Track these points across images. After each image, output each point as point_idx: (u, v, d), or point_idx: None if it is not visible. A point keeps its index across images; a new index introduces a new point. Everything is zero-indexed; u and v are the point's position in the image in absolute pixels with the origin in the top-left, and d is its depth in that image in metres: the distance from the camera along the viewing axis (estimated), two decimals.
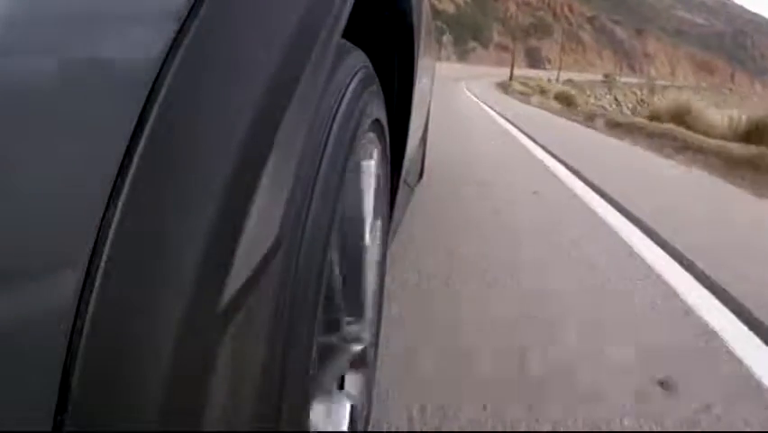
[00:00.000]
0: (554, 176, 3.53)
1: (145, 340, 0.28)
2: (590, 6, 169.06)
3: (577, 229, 2.29)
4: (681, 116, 7.91)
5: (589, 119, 9.08)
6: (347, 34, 0.51)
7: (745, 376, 1.23)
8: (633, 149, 5.62)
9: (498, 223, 2.31)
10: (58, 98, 0.28)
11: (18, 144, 0.27)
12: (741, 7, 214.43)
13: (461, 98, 13.26)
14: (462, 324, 1.36)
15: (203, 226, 0.30)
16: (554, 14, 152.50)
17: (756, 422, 1.05)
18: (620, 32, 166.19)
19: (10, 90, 0.27)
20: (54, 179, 0.27)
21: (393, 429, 0.95)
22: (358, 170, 0.63)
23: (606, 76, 79.15)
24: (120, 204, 0.28)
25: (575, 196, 2.96)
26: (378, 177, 0.72)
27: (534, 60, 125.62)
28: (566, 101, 16.21)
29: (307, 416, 0.40)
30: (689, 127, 7.14)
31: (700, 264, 1.92)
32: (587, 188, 3.13)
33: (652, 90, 63.87)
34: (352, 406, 0.62)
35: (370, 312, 0.71)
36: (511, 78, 33.40)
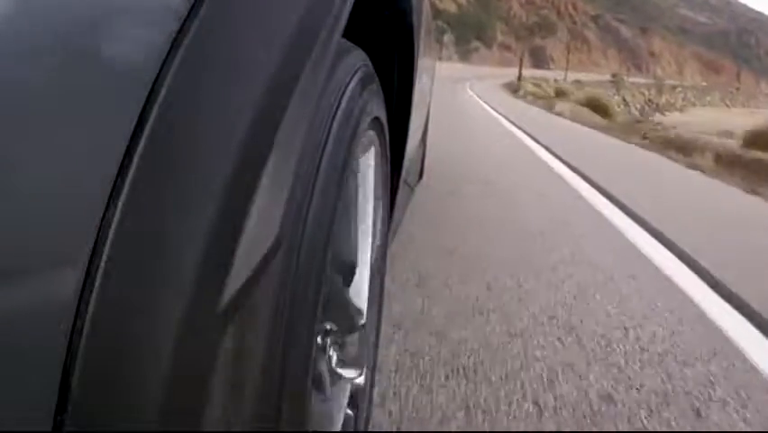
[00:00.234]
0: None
1: (145, 340, 0.29)
2: (594, 5, 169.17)
3: None
4: None
5: (672, 147, 5.70)
6: (347, 34, 0.52)
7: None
8: None
9: None
10: (58, 98, 0.29)
11: (18, 144, 0.27)
12: (744, 5, 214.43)
13: (469, 106, 10.90)
14: None
15: (203, 226, 0.30)
16: (558, 13, 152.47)
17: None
18: (625, 31, 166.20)
19: (10, 90, 0.28)
20: (54, 178, 0.28)
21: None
22: (358, 169, 0.63)
23: (613, 76, 78.99)
24: (120, 204, 0.29)
25: None
26: (378, 176, 0.73)
27: (538, 60, 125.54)
28: (600, 109, 13.39)
29: (307, 416, 0.40)
30: None
31: None
32: None
33: (660, 90, 63.83)
34: (351, 406, 0.63)
35: (370, 312, 0.71)
36: (520, 78, 32.06)
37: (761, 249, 2.40)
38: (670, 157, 5.34)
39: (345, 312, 0.64)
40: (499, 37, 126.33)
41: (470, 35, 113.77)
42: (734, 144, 7.30)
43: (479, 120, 8.09)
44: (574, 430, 0.98)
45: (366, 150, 0.66)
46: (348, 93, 0.48)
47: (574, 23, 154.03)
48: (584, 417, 1.03)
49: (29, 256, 0.27)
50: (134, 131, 0.29)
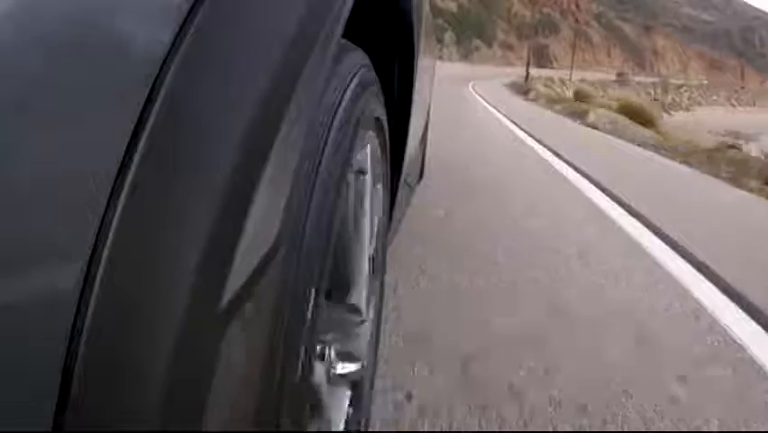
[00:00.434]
0: None
1: (145, 340, 0.29)
2: (597, 3, 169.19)
3: None
4: None
5: None
6: (347, 34, 0.52)
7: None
8: None
9: None
10: (58, 98, 0.29)
11: (18, 144, 0.28)
12: (746, 4, 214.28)
13: (477, 112, 8.89)
14: None
15: (203, 226, 0.30)
16: (561, 11, 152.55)
17: None
18: (628, 30, 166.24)
19: (10, 90, 0.28)
20: (54, 178, 0.28)
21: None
22: (358, 169, 0.63)
23: (619, 75, 78.68)
24: (120, 204, 0.29)
25: None
26: (378, 176, 0.73)
27: (541, 59, 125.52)
28: (639, 116, 10.16)
29: (307, 416, 0.41)
30: None
31: None
32: None
33: (665, 89, 63.70)
34: (351, 405, 0.63)
35: (369, 312, 0.71)
36: (527, 78, 28.37)
37: None
38: None
39: (345, 312, 0.64)
40: (500, 36, 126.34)
41: (470, 34, 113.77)
42: None
43: (494, 136, 5.95)
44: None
45: (366, 150, 0.66)
46: (348, 93, 0.49)
47: (577, 21, 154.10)
48: None
49: (29, 256, 0.27)
50: (134, 131, 0.30)
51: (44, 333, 0.27)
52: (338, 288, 0.62)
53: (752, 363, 1.35)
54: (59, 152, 0.28)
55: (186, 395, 0.30)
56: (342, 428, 0.61)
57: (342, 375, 0.59)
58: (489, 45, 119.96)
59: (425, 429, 0.97)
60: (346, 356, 0.64)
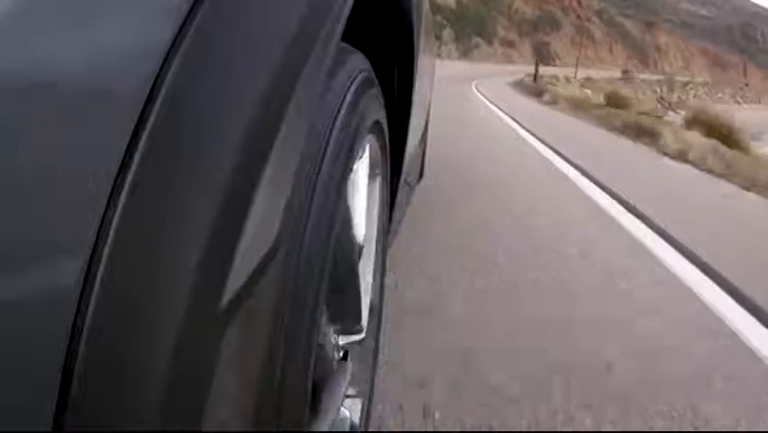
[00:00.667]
0: None
1: (145, 340, 0.29)
2: None
3: None
4: None
5: None
6: (347, 34, 0.52)
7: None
8: None
9: None
10: (58, 98, 0.29)
11: (17, 144, 0.28)
12: None
13: (487, 125, 6.67)
14: None
15: (203, 226, 0.31)
16: (563, 7, 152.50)
17: None
18: (630, 26, 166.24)
19: (10, 90, 0.28)
20: (54, 179, 0.28)
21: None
22: (358, 170, 0.64)
23: (624, 72, 78.20)
24: (120, 204, 0.29)
25: None
26: (378, 177, 0.74)
27: (543, 56, 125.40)
28: (727, 138, 6.65)
29: (307, 416, 0.41)
30: None
31: None
32: None
33: (671, 87, 63.51)
34: (351, 405, 0.64)
35: (370, 312, 0.72)
36: (536, 78, 24.87)
37: None
38: None
39: (345, 312, 0.65)
40: (501, 33, 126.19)
41: (470, 31, 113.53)
42: None
43: (521, 167, 4.02)
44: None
45: (366, 150, 0.67)
46: (348, 97, 0.49)
47: (578, 17, 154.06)
48: None
49: (30, 255, 0.28)
50: (135, 130, 0.30)
51: (44, 332, 0.28)
52: (338, 288, 0.63)
53: None
54: (59, 151, 0.29)
55: (186, 395, 0.30)
56: (342, 427, 0.61)
57: (342, 375, 0.60)
58: (490, 42, 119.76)
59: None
60: (346, 356, 0.64)
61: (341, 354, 0.63)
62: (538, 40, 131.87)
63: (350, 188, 0.60)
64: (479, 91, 14.23)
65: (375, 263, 0.76)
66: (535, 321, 1.58)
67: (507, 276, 1.88)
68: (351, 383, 0.68)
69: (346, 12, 0.46)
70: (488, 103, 10.82)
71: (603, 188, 3.40)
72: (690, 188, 4.04)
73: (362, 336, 0.70)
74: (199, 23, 0.33)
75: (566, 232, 2.48)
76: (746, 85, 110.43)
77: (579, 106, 11.03)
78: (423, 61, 1.14)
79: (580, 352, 1.43)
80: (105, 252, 0.29)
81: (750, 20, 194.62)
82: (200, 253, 0.31)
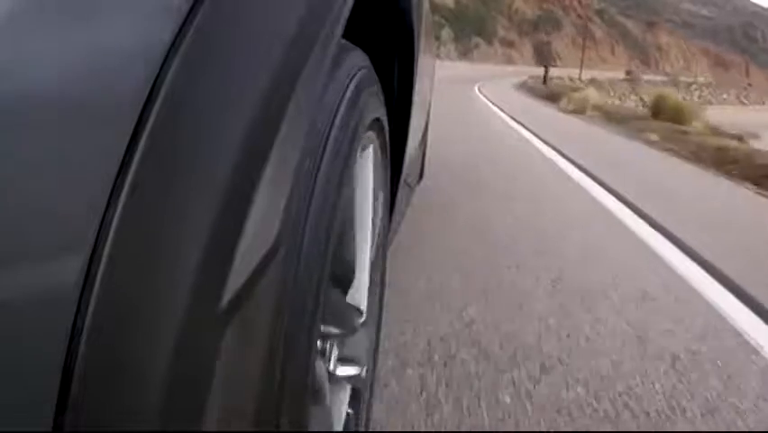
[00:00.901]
0: None
1: (145, 340, 0.30)
2: None
3: None
4: None
5: None
6: (347, 34, 0.53)
7: None
8: None
9: None
10: (58, 98, 0.30)
11: (18, 144, 0.28)
12: None
13: (504, 147, 4.73)
14: None
15: (203, 226, 0.31)
16: (563, 7, 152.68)
17: None
18: (631, 26, 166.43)
19: (10, 90, 0.29)
20: (54, 179, 0.29)
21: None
22: (358, 169, 0.64)
23: (628, 73, 78.04)
24: (120, 204, 0.30)
25: None
26: (378, 176, 0.74)
27: (544, 57, 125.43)
28: None
29: (307, 416, 0.41)
30: None
31: None
32: None
33: (676, 88, 63.42)
34: (351, 406, 0.64)
35: (369, 312, 0.72)
36: (546, 80, 23.02)
37: None
38: None
39: (345, 312, 0.65)
40: (501, 33, 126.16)
41: (469, 31, 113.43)
42: None
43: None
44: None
45: (366, 150, 0.67)
46: (348, 94, 0.50)
47: (580, 17, 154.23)
48: None
49: (30, 256, 0.28)
50: (134, 131, 0.30)
51: (44, 332, 0.28)
52: (338, 288, 0.63)
53: None
54: (59, 151, 0.29)
55: (186, 395, 0.30)
56: (342, 427, 0.62)
57: (342, 375, 0.60)
58: (490, 42, 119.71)
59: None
60: (346, 356, 0.64)
61: (341, 353, 0.63)
62: (539, 40, 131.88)
63: (350, 187, 0.60)
64: (485, 97, 12.31)
65: (375, 263, 0.76)
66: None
67: None
68: (350, 383, 0.68)
69: (346, 12, 0.46)
70: (495, 109, 8.94)
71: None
72: None
73: (362, 335, 0.70)
74: (199, 23, 0.34)
75: None
76: (749, 85, 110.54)
77: (614, 118, 8.51)
78: (423, 62, 1.14)
79: None
80: (105, 252, 0.29)
81: (751, 20, 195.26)
82: (200, 254, 0.31)
